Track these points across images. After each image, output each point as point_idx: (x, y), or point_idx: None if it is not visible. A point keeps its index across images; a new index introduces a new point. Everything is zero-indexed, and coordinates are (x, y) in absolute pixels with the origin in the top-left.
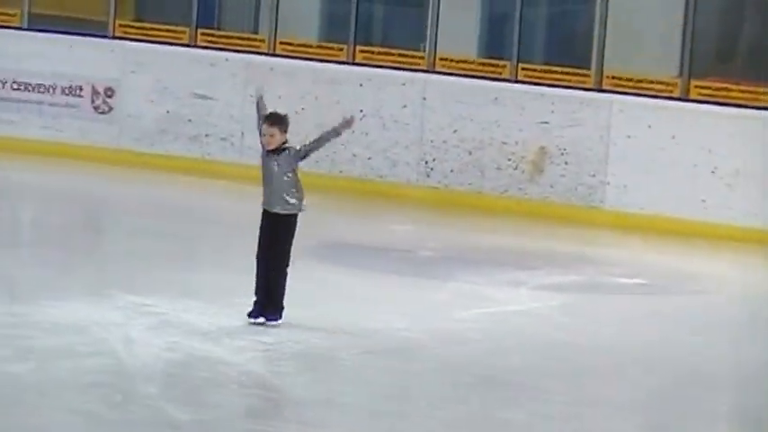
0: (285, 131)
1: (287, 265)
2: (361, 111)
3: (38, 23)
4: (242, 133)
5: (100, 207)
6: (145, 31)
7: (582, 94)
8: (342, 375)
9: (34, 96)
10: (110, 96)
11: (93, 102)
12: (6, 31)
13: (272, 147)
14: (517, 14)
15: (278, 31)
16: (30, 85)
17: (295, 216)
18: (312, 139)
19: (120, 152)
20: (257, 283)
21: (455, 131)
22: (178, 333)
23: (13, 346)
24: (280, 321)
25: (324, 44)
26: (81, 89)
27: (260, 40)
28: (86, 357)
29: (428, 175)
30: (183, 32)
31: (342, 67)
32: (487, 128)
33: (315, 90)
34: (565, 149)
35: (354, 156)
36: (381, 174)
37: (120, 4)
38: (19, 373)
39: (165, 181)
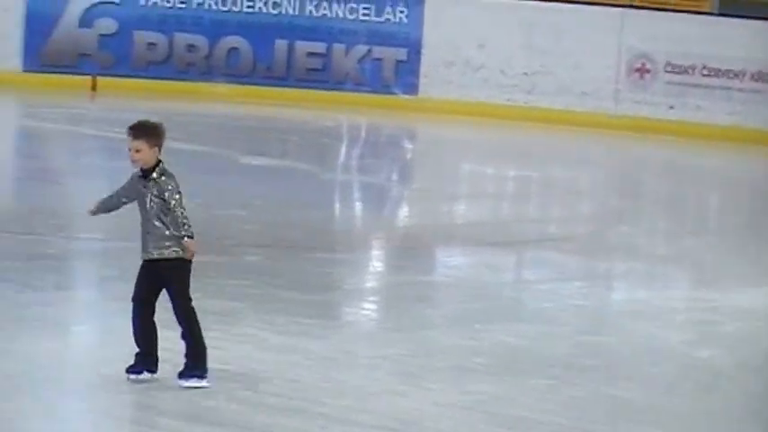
0: (156, 145)
1: (193, 314)
2: None
3: (729, 8)
4: None
5: None
6: None
7: None
8: None
9: (722, 82)
10: None
11: None
12: (697, 16)
13: (140, 165)
14: None
15: None
16: (719, 70)
17: (179, 261)
18: (179, 209)
19: None
20: (134, 331)
21: None
22: None
23: (698, 332)
24: (203, 383)
25: None
26: None
27: None
28: None
29: None
30: None
31: None
32: None
33: None
34: None
35: None
36: None
37: None
38: (704, 358)
39: None
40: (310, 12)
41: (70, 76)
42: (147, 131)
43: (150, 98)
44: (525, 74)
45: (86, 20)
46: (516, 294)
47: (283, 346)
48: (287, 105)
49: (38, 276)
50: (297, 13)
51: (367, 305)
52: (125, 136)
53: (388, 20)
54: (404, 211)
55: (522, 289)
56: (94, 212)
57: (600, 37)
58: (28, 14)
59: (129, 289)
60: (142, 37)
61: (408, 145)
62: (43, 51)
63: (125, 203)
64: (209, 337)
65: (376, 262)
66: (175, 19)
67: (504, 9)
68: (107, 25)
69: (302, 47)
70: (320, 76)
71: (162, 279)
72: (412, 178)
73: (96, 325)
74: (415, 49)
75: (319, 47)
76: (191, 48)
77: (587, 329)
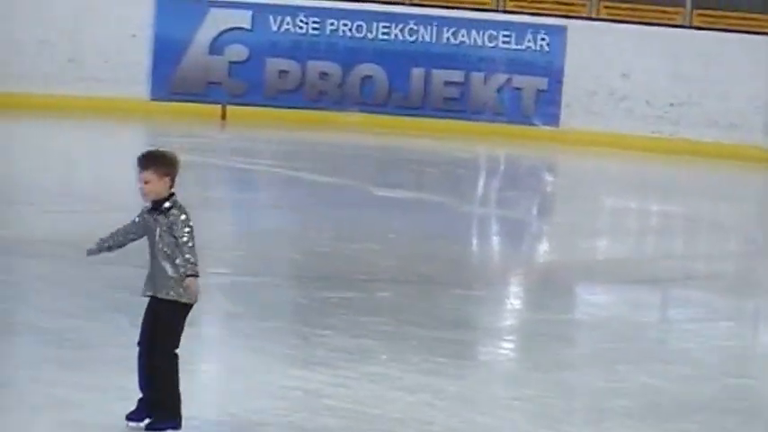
0: (167, 175)
1: (173, 361)
2: None
3: None
4: None
5: None
6: None
7: None
8: None
9: None
10: None
11: None
12: None
13: (151, 197)
14: None
15: None
16: None
17: (177, 305)
18: (187, 246)
19: None
20: (139, 375)
21: None
22: None
23: None
24: None
25: None
26: None
27: None
28: None
29: None
30: None
31: None
32: None
33: None
34: None
35: None
36: None
37: None
38: None
39: None
40: (448, 39)
41: (199, 104)
42: (155, 161)
43: (281, 127)
44: (671, 105)
45: (216, 47)
46: (660, 334)
47: (416, 385)
48: (422, 135)
49: None
50: (434, 40)
51: (504, 344)
52: (255, 167)
53: (529, 48)
54: (543, 247)
55: (666, 329)
56: (93, 252)
57: (750, 66)
58: (156, 41)
59: (257, 326)
60: (274, 64)
61: (548, 177)
62: (171, 79)
63: (132, 240)
64: (340, 375)
65: (514, 299)
66: (309, 46)
67: (649, 37)
68: (238, 52)
69: (439, 75)
70: (457, 106)
71: (157, 319)
72: (552, 212)
73: (224, 363)
74: (556, 78)
75: (457, 75)
76: (324, 75)
77: (735, 371)
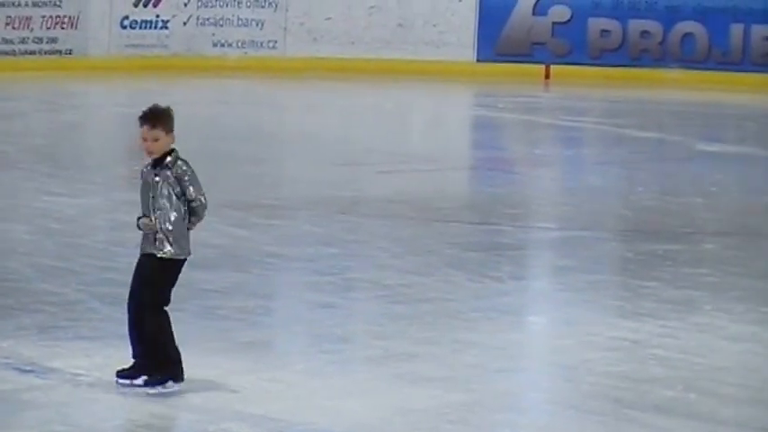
0: (171, 131)
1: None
2: None
3: None
4: None
5: None
6: None
7: None
8: None
9: None
10: None
11: None
12: None
13: (156, 155)
14: None
15: None
16: None
17: (170, 262)
18: (193, 191)
19: None
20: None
21: None
22: None
23: None
24: (164, 388)
25: None
26: None
27: None
28: None
29: None
30: None
31: None
32: None
33: None
34: None
35: None
36: None
37: None
38: None
39: None
40: None
41: (523, 65)
42: (165, 118)
43: (603, 86)
44: None
45: (540, 8)
46: None
47: (741, 334)
48: (742, 91)
49: (494, 266)
50: None
51: None
52: (580, 124)
53: None
54: None
55: None
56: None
57: None
58: (481, 3)
59: (586, 279)
60: (596, 24)
61: None
62: (497, 41)
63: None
64: (668, 325)
65: None
66: (629, 5)
67: None
68: (561, 12)
69: (759, 31)
70: None
71: (140, 274)
72: None
73: (554, 315)
74: None
75: None
76: (644, 34)
77: None
